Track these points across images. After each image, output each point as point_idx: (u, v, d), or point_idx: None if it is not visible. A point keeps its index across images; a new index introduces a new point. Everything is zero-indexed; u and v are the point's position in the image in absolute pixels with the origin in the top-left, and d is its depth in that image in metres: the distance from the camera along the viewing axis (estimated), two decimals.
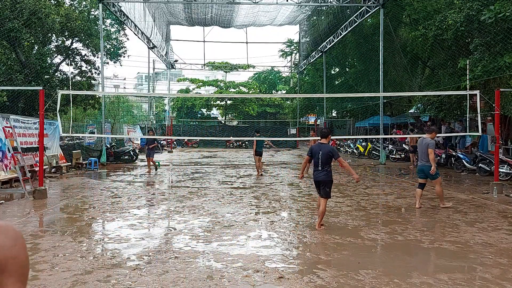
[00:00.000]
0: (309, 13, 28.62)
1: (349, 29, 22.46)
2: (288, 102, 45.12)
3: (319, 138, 6.77)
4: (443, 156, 16.13)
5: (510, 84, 13.70)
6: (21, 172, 9.66)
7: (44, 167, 10.30)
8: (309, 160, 6.50)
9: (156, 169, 15.25)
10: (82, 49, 20.73)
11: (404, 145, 20.31)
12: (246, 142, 32.50)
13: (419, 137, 9.01)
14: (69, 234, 5.97)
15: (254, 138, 14.09)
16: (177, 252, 5.10)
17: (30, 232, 6.11)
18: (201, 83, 44.34)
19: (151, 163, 14.97)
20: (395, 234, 5.99)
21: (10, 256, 0.94)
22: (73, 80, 19.96)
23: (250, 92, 43.63)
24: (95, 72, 21.37)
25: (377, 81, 19.91)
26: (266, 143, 14.51)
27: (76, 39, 20.13)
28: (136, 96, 50.66)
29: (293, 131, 35.99)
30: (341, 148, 27.30)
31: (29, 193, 9.31)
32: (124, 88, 58.87)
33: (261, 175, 13.97)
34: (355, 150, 24.47)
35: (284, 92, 47.36)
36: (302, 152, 29.13)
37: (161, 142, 29.65)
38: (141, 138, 27.19)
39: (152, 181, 12.63)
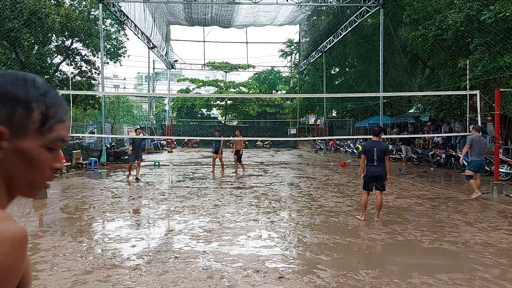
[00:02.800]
0: (309, 13, 28.63)
1: (349, 29, 22.46)
2: (288, 102, 45.11)
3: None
4: (443, 156, 16.13)
5: (510, 84, 13.71)
6: None
7: None
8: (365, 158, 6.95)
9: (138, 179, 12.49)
10: (82, 49, 20.75)
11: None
12: (246, 142, 32.49)
13: (468, 135, 9.72)
14: (69, 234, 5.97)
15: (215, 138, 14.67)
16: (177, 252, 5.10)
17: (30, 232, 6.11)
18: (201, 83, 44.33)
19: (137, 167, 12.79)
20: (395, 234, 5.99)
21: None
22: (73, 80, 19.96)
23: (250, 92, 43.62)
24: (95, 72, 21.38)
25: (377, 81, 19.93)
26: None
27: (76, 39, 20.14)
28: (136, 96, 50.64)
29: (293, 131, 35.99)
30: (341, 148, 27.32)
31: None
32: (124, 88, 58.86)
33: (212, 171, 14.67)
34: (355, 150, 24.46)
35: (284, 92, 47.35)
36: (302, 152, 29.12)
37: (161, 142, 29.67)
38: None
39: (134, 187, 11.58)
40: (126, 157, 18.78)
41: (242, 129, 35.66)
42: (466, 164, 9.68)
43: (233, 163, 15.03)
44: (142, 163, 13.73)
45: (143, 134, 14.33)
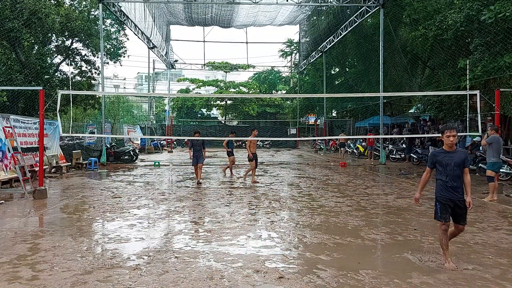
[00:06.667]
0: (309, 13, 28.63)
1: (349, 29, 22.47)
2: (288, 102, 45.13)
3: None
4: None
5: (510, 84, 13.72)
6: (21, 172, 9.66)
7: (44, 167, 10.30)
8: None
9: (199, 183, 11.67)
10: (82, 49, 20.74)
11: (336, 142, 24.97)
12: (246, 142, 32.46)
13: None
14: (69, 234, 5.97)
15: (227, 138, 13.97)
16: (177, 252, 5.10)
17: (30, 232, 6.11)
18: (201, 83, 44.35)
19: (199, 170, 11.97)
20: (395, 234, 5.99)
21: None
22: (73, 80, 19.96)
23: (250, 92, 43.63)
24: (95, 72, 21.38)
25: (377, 81, 19.93)
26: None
27: (76, 39, 20.14)
28: (136, 96, 50.63)
29: (293, 131, 36.00)
30: (341, 148, 27.33)
31: (29, 193, 9.31)
32: (124, 88, 58.84)
33: (231, 175, 13.66)
34: (355, 150, 24.47)
35: (284, 92, 47.36)
36: (302, 152, 29.11)
37: (161, 142, 29.68)
38: (141, 138, 27.20)
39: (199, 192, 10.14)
40: (126, 157, 18.83)
41: (242, 129, 35.71)
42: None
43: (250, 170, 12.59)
44: (142, 163, 13.37)
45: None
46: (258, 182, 11.94)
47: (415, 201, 5.01)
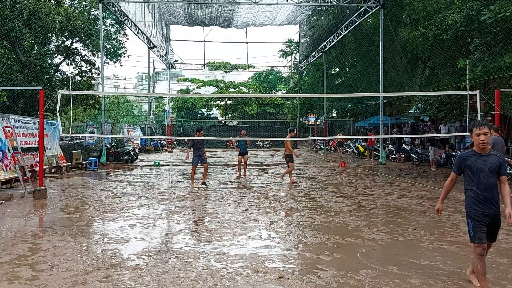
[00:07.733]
0: (309, 13, 28.64)
1: (349, 29, 22.47)
2: (288, 102, 45.14)
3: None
4: (443, 156, 16.13)
5: (510, 84, 13.72)
6: (21, 172, 9.66)
7: (44, 167, 10.30)
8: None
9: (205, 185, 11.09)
10: (82, 49, 20.75)
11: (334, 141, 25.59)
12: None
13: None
14: (69, 234, 5.97)
15: (238, 138, 13.78)
16: (177, 252, 5.10)
17: (30, 232, 6.11)
18: (201, 83, 44.36)
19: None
20: (395, 234, 5.99)
21: None
22: (73, 80, 19.96)
23: (250, 92, 43.64)
24: (95, 72, 21.38)
25: (377, 81, 19.93)
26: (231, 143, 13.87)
27: (76, 39, 20.14)
28: (136, 96, 50.65)
29: None
30: (340, 148, 27.34)
31: (29, 193, 9.31)
32: (124, 88, 58.83)
33: (239, 175, 13.48)
34: (355, 150, 24.47)
35: (284, 92, 47.37)
36: (302, 152, 29.10)
37: (161, 142, 29.68)
38: (141, 138, 27.20)
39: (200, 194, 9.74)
40: (126, 157, 18.82)
41: (242, 129, 35.70)
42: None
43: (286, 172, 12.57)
44: (142, 163, 13.19)
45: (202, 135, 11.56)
46: (295, 182, 11.95)
47: (437, 213, 4.23)
